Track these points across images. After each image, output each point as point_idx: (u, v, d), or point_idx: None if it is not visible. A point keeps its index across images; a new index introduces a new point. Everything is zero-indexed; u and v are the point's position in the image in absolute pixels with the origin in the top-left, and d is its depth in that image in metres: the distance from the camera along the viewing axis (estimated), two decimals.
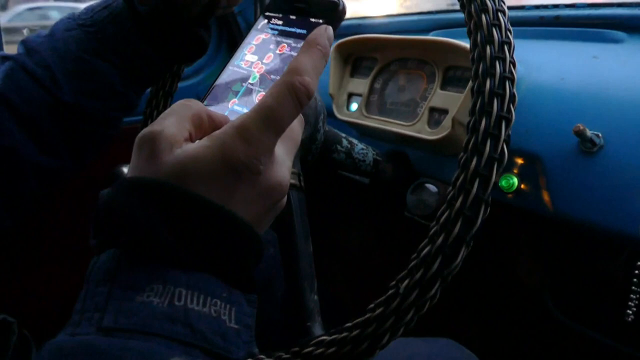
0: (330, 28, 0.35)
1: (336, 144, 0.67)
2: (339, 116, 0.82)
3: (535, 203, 0.61)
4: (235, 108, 0.37)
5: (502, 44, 0.39)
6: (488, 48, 0.39)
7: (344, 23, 1.17)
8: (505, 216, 0.65)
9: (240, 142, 0.30)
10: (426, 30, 0.90)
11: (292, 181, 0.55)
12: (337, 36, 1.07)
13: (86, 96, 0.56)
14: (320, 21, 0.36)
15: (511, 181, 0.63)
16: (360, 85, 0.82)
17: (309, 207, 0.56)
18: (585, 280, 0.69)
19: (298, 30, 0.38)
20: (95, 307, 0.28)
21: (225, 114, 0.36)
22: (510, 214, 0.65)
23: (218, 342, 0.29)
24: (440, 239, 0.37)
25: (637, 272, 0.55)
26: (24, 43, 0.57)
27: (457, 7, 0.47)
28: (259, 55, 0.39)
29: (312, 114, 0.61)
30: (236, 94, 0.38)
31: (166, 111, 0.34)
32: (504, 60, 0.39)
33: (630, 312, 0.55)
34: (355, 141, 0.70)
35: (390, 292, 0.37)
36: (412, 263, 0.38)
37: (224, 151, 0.30)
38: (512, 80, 0.38)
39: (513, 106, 0.38)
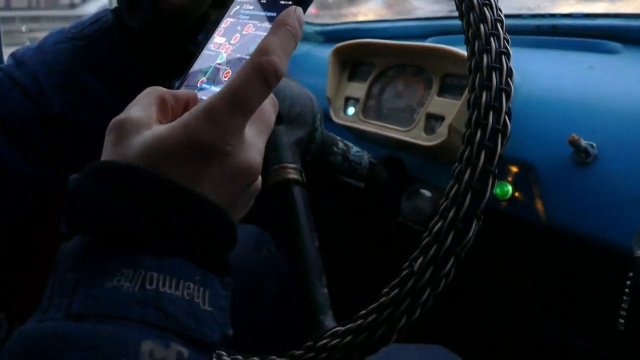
0: (299, 9, 0.34)
1: (332, 146, 0.67)
2: (336, 120, 0.82)
3: (529, 212, 0.62)
4: (203, 86, 0.37)
5: (499, 53, 0.40)
6: (485, 57, 0.39)
7: (341, 27, 1.17)
8: (498, 224, 0.65)
9: (206, 124, 0.30)
10: (424, 36, 0.91)
11: (295, 176, 0.56)
12: (335, 40, 1.07)
13: (73, 108, 0.56)
14: (290, 2, 0.36)
15: (505, 189, 0.64)
16: (357, 89, 0.82)
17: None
18: (576, 289, 0.69)
19: (267, 13, 0.38)
20: (63, 293, 0.28)
21: (195, 91, 0.37)
22: (504, 222, 0.66)
23: (191, 324, 0.29)
24: (452, 213, 0.37)
25: (628, 282, 0.55)
26: (13, 56, 0.58)
27: (456, 14, 0.47)
28: (227, 37, 0.39)
29: (309, 112, 0.61)
30: (205, 73, 0.38)
31: (132, 101, 0.34)
32: (500, 71, 0.39)
33: (622, 321, 0.55)
34: (350, 144, 0.70)
35: (405, 272, 0.37)
36: (425, 241, 0.37)
37: (190, 132, 0.30)
38: (508, 93, 0.39)
39: (509, 119, 0.38)
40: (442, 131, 0.68)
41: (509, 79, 0.39)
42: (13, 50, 0.59)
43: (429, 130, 0.71)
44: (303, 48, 1.09)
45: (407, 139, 0.71)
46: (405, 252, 0.44)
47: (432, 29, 0.93)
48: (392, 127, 0.74)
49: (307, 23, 1.12)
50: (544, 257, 0.72)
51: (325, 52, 0.96)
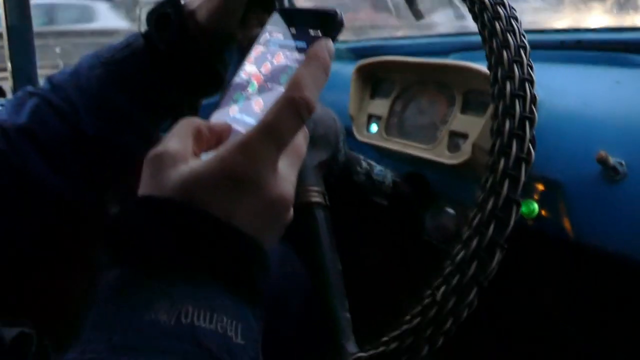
0: (330, 41, 0.35)
1: (356, 165, 0.68)
2: (358, 137, 0.82)
3: (556, 229, 0.61)
4: (235, 116, 0.38)
5: (522, 81, 0.39)
6: (508, 85, 0.39)
7: (363, 44, 1.18)
8: (525, 242, 0.65)
9: (241, 158, 0.31)
10: (446, 53, 0.91)
11: (318, 200, 0.56)
12: (358, 57, 1.08)
13: (106, 130, 0.58)
14: (319, 32, 0.37)
15: (532, 207, 0.63)
16: (380, 107, 0.82)
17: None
18: (606, 307, 0.68)
19: (297, 43, 0.38)
20: (104, 326, 0.29)
21: (227, 121, 0.37)
22: (531, 240, 0.65)
23: (224, 358, 0.29)
24: (475, 242, 0.36)
25: None
26: (50, 80, 0.60)
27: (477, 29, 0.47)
28: (257, 66, 0.40)
29: (332, 134, 0.62)
30: (236, 102, 0.39)
31: (169, 132, 0.35)
32: (524, 98, 0.39)
33: None
34: (373, 163, 0.71)
35: (427, 300, 0.37)
36: (448, 269, 0.37)
37: (226, 166, 0.31)
38: (532, 121, 0.38)
39: (533, 147, 0.38)
40: (466, 149, 0.67)
41: (532, 107, 0.39)
42: (49, 75, 0.61)
43: (453, 147, 0.70)
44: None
45: (430, 156, 0.71)
46: (430, 270, 0.44)
47: (454, 45, 0.93)
48: (415, 144, 0.74)
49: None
50: (573, 274, 0.70)
51: (347, 69, 0.97)
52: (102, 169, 0.61)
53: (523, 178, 0.37)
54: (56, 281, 0.88)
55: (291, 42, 0.39)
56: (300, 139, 0.36)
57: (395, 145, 0.76)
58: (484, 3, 0.42)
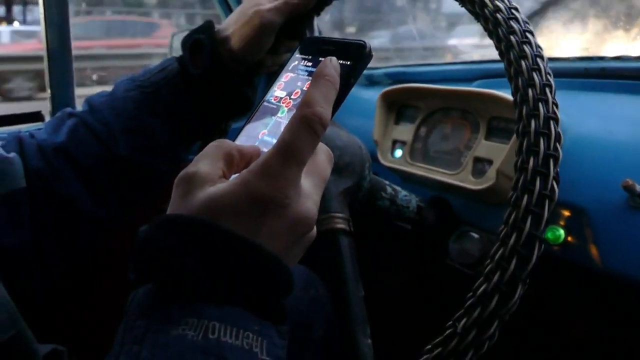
0: (334, 59, 0.36)
1: (381, 191, 0.68)
2: (383, 162, 0.83)
3: (582, 256, 0.60)
4: (265, 138, 0.39)
5: (547, 119, 0.40)
6: (533, 122, 0.40)
7: (389, 70, 1.19)
8: (551, 268, 0.64)
9: (263, 178, 0.32)
10: (470, 80, 0.92)
11: (342, 226, 0.57)
12: (383, 84, 1.09)
13: (139, 151, 0.61)
14: (348, 63, 0.37)
15: (557, 233, 0.63)
16: (404, 132, 0.83)
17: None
18: (635, 337, 0.66)
19: None
20: (133, 340, 0.30)
21: (256, 144, 0.38)
22: (557, 267, 0.64)
23: None
24: (496, 277, 0.37)
25: None
26: (88, 102, 0.63)
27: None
28: (288, 92, 0.41)
29: (358, 162, 0.63)
30: (266, 125, 0.39)
31: (201, 153, 0.36)
32: (548, 136, 0.39)
33: None
34: (398, 188, 0.71)
35: (448, 331, 0.37)
36: (469, 302, 0.38)
37: (249, 187, 0.32)
38: (556, 159, 0.39)
39: (557, 184, 0.38)
40: (490, 175, 0.68)
41: (557, 145, 0.39)
42: (88, 96, 0.64)
43: (477, 173, 0.71)
44: (356, 91, 1.12)
45: (455, 182, 0.71)
46: (454, 295, 0.44)
47: (478, 72, 0.94)
48: (439, 169, 0.75)
49: (375, 68, 1.16)
50: (601, 303, 0.70)
51: (370, 94, 0.99)
52: (134, 190, 0.63)
53: (546, 215, 0.38)
54: (88, 301, 0.90)
55: None
56: (324, 160, 0.37)
57: (420, 170, 0.77)
58: (510, 41, 0.43)
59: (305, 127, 0.33)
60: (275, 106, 0.41)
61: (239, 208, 0.32)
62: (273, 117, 0.40)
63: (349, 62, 0.37)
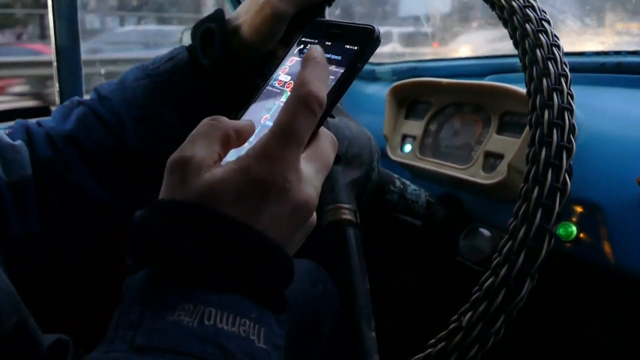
0: (319, 47, 0.35)
1: (389, 184, 0.68)
2: (392, 157, 0.82)
3: (595, 254, 0.59)
4: (267, 123, 0.38)
5: (562, 110, 0.38)
6: (547, 113, 0.39)
7: (399, 66, 1.18)
8: (563, 266, 0.63)
9: (262, 162, 0.31)
10: (482, 75, 0.91)
11: (349, 217, 0.56)
12: (393, 79, 1.08)
13: (149, 140, 0.60)
14: (355, 47, 0.36)
15: (569, 229, 0.61)
16: (414, 127, 0.82)
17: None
18: None
19: (332, 56, 0.38)
20: (129, 326, 0.29)
21: (258, 128, 0.37)
22: (569, 264, 0.63)
23: None
24: (504, 270, 0.36)
25: None
26: (97, 90, 0.62)
27: (514, 52, 0.47)
28: (292, 76, 0.40)
29: (366, 153, 0.62)
30: (269, 110, 0.39)
31: (195, 132, 0.34)
32: (562, 127, 0.38)
33: None
34: (407, 182, 0.71)
35: (453, 325, 0.37)
36: (475, 295, 0.37)
37: (249, 172, 0.31)
38: (569, 150, 0.38)
39: (569, 177, 0.37)
40: (501, 169, 0.67)
41: (571, 136, 0.38)
42: (96, 85, 0.63)
43: (488, 168, 0.70)
44: (360, 86, 1.11)
45: (465, 176, 0.70)
46: (464, 292, 0.43)
47: (490, 67, 0.92)
48: (450, 164, 0.74)
49: (379, 64, 1.15)
50: (615, 301, 0.68)
51: (381, 90, 0.98)
52: (143, 180, 0.63)
53: (557, 208, 0.36)
54: (95, 290, 0.90)
55: (326, 55, 0.38)
56: (328, 146, 0.36)
57: (430, 165, 0.76)
58: (525, 30, 0.42)
59: (302, 107, 0.32)
60: (279, 90, 0.40)
61: (238, 194, 0.31)
62: (276, 102, 0.39)
63: (356, 47, 0.37)
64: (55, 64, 0.91)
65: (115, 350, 0.29)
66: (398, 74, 1.10)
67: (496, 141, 0.70)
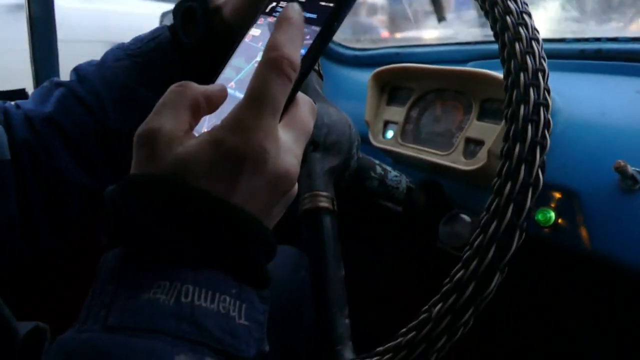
0: (295, 4, 0.34)
1: (370, 171, 0.68)
2: (374, 143, 0.82)
3: (572, 239, 0.60)
4: (235, 94, 0.36)
5: (537, 105, 0.39)
6: (522, 108, 0.39)
7: (381, 51, 1.17)
8: (541, 251, 0.64)
9: (237, 132, 0.30)
10: (464, 61, 0.90)
11: (326, 205, 0.56)
12: (375, 64, 1.08)
13: (130, 123, 0.58)
14: (331, 5, 0.34)
15: (548, 215, 0.62)
16: (396, 113, 0.82)
17: (340, 232, 0.56)
18: (626, 322, 0.66)
19: (307, 14, 0.35)
20: (101, 304, 0.28)
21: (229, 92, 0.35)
22: (547, 249, 0.64)
23: (226, 339, 0.28)
24: (474, 264, 0.36)
25: None
26: (76, 71, 0.60)
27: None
28: (264, 36, 0.38)
29: (345, 141, 0.62)
30: (239, 71, 0.37)
31: (161, 101, 0.33)
32: (537, 123, 0.38)
33: None
34: (388, 168, 0.71)
35: (423, 316, 0.37)
36: (445, 288, 0.37)
37: (224, 143, 0.30)
38: (543, 146, 0.38)
39: (542, 173, 0.37)
40: (481, 155, 0.67)
41: (545, 132, 0.38)
42: (76, 66, 0.61)
43: (469, 154, 0.70)
44: (342, 72, 1.10)
45: (446, 162, 0.71)
46: (444, 278, 0.44)
47: (472, 53, 0.92)
48: (431, 150, 0.74)
49: (348, 48, 1.14)
50: (591, 286, 0.69)
51: (364, 76, 0.97)
52: (124, 162, 0.61)
53: (529, 204, 0.37)
54: (74, 275, 0.89)
55: None
56: (305, 112, 0.35)
57: (411, 151, 0.76)
58: (506, 22, 0.42)
59: (275, 72, 0.31)
60: (252, 49, 0.37)
61: (212, 167, 0.30)
62: (248, 63, 0.37)
63: (331, 4, 0.35)
64: (29, 41, 0.88)
65: (87, 331, 0.28)
66: (380, 59, 1.09)
67: (477, 127, 0.70)
